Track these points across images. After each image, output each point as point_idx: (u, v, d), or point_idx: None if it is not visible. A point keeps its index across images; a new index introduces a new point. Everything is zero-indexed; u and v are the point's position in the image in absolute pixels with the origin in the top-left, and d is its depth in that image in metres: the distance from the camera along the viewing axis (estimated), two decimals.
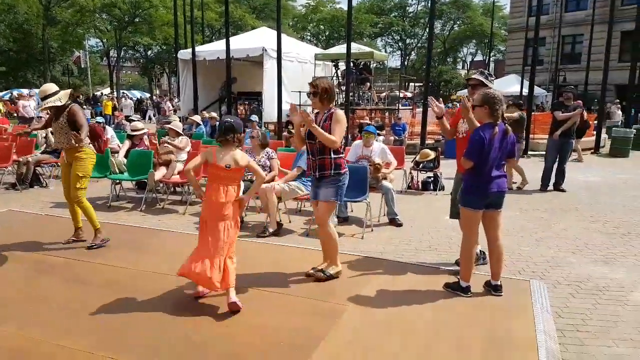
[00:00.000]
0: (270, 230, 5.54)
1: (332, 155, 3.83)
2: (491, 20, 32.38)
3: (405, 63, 51.65)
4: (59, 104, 4.62)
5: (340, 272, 4.07)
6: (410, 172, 8.47)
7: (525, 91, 16.99)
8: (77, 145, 4.57)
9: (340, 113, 3.85)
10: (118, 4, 33.58)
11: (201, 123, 11.69)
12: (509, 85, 24.55)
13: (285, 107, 13.44)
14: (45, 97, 4.62)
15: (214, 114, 12.45)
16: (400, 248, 5.16)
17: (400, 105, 16.96)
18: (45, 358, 2.80)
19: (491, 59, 37.69)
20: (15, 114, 23.28)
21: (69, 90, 4.80)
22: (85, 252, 4.64)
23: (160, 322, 3.27)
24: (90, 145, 4.83)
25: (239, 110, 16.57)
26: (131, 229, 5.59)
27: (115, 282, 3.94)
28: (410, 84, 33.10)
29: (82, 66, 39.28)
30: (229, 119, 3.55)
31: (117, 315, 3.36)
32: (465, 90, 6.23)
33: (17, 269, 4.21)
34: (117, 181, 7.31)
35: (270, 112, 14.25)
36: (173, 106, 22.90)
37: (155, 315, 3.37)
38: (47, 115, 5.12)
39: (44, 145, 8.82)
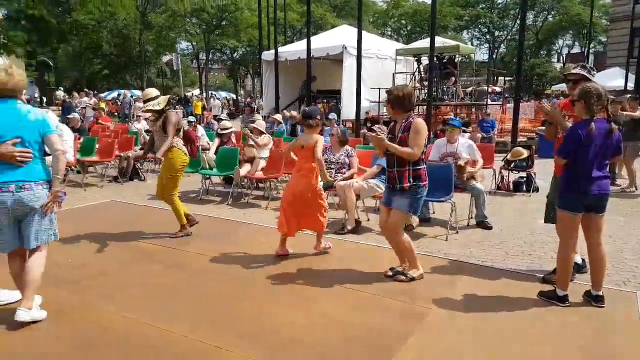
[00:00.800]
0: (349, 227, 5.51)
1: (411, 167, 3.71)
2: (590, 9, 29.63)
3: (494, 56, 49.06)
4: (157, 107, 4.92)
5: (422, 275, 3.97)
6: (500, 172, 8.00)
7: (631, 85, 15.40)
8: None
9: (420, 122, 3.71)
10: (206, 8, 35.54)
11: (282, 122, 11.99)
12: (611, 79, 22.36)
13: (365, 104, 13.38)
14: (146, 101, 4.99)
15: (294, 113, 12.71)
16: (488, 252, 4.88)
17: (488, 100, 16.05)
18: (142, 338, 3.01)
19: (590, 50, 34.52)
20: (116, 113, 25.62)
21: (167, 96, 5.10)
22: (178, 241, 4.98)
23: (251, 311, 3.38)
24: (184, 147, 5.07)
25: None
26: (220, 221, 5.91)
27: (205, 269, 4.18)
28: (499, 78, 31.36)
29: (174, 68, 42.15)
30: (306, 108, 4.56)
31: (208, 301, 3.55)
32: (563, 84, 5.77)
33: (117, 254, 4.60)
34: (207, 176, 7.72)
35: (348, 110, 14.27)
36: (256, 105, 23.80)
37: (245, 304, 3.51)
38: (145, 115, 5.56)
39: (143, 142, 9.56)
